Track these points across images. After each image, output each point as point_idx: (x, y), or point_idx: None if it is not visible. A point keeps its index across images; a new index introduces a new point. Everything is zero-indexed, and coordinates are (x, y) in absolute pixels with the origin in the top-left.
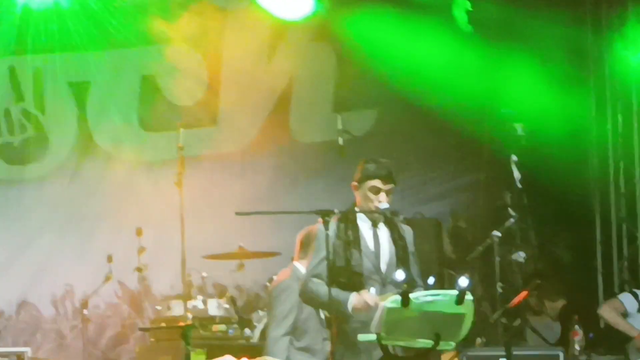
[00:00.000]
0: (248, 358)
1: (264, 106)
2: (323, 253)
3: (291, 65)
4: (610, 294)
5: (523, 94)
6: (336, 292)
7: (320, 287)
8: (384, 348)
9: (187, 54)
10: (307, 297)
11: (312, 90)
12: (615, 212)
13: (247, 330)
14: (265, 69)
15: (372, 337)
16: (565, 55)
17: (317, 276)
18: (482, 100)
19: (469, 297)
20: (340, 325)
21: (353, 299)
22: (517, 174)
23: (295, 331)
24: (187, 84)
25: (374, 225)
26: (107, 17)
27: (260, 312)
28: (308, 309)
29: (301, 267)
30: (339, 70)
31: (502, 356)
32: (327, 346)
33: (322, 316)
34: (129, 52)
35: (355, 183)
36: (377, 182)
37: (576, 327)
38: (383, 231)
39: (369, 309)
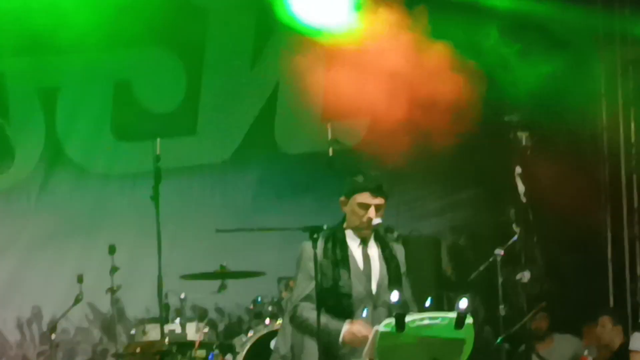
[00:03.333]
0: None
1: (247, 114)
2: (311, 274)
3: (277, 70)
4: (622, 317)
5: (528, 101)
6: (328, 320)
7: (312, 314)
8: None
9: (165, 58)
10: (297, 323)
11: (299, 97)
12: (628, 229)
13: (228, 356)
14: (249, 73)
15: None
16: (574, 60)
17: (308, 299)
18: (483, 107)
19: (469, 320)
20: (328, 351)
21: (345, 330)
22: (521, 187)
23: (291, 350)
24: (164, 89)
25: (364, 243)
26: (79, 17)
27: (244, 337)
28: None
29: None
30: (328, 76)
31: None
32: None
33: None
34: (102, 55)
35: (342, 198)
36: (365, 197)
37: (585, 352)
38: (373, 250)
39: (362, 340)
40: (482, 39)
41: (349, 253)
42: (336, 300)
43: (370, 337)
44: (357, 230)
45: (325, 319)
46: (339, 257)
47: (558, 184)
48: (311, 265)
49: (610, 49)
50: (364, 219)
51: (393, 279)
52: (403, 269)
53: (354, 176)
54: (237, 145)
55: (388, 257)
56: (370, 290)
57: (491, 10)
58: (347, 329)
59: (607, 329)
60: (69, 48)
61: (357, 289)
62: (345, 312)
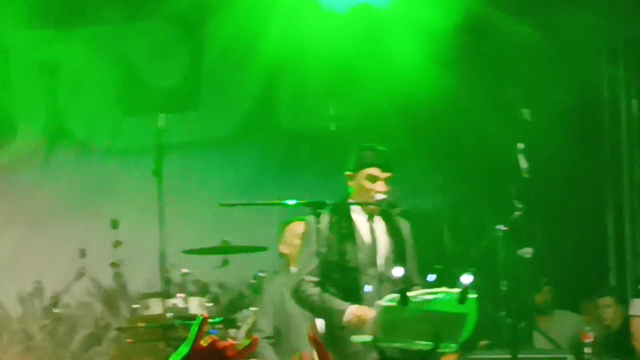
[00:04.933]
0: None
1: (250, 89)
2: (315, 248)
3: (280, 45)
4: (623, 293)
5: (529, 75)
6: (332, 299)
7: (315, 290)
8: (380, 350)
9: (168, 32)
10: (300, 298)
11: (302, 72)
12: (629, 204)
13: (231, 331)
14: (253, 48)
15: (367, 338)
16: (576, 33)
17: (312, 274)
18: (485, 82)
19: (472, 295)
20: (331, 328)
21: (349, 313)
22: (523, 163)
23: (276, 332)
24: (167, 64)
25: (370, 218)
26: None
27: (246, 312)
28: (288, 306)
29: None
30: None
31: (506, 359)
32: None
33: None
34: (105, 29)
35: (349, 172)
36: (374, 170)
37: (587, 328)
38: (379, 224)
39: (366, 322)
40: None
41: (355, 227)
42: (343, 274)
43: (374, 312)
44: (363, 204)
45: (329, 297)
46: (346, 231)
47: (560, 160)
48: (315, 239)
49: (613, 20)
50: (372, 193)
51: (398, 253)
52: (409, 243)
53: (362, 151)
54: (240, 120)
55: (394, 232)
56: (376, 264)
57: None
58: (353, 310)
59: (611, 310)
60: (71, 22)
61: (364, 263)
62: (352, 286)
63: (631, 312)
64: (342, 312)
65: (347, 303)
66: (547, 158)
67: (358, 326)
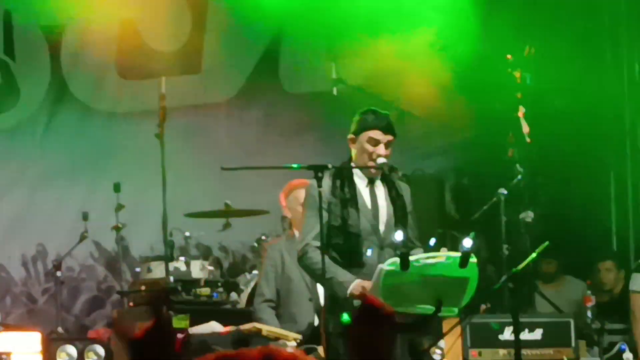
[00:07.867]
0: (235, 325)
1: (252, 52)
2: (317, 212)
3: (282, 6)
4: (625, 258)
5: (531, 40)
6: (337, 269)
7: (320, 259)
8: None
9: None
10: (306, 264)
11: (304, 36)
12: (631, 169)
13: (233, 294)
14: (254, 10)
15: None
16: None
17: (318, 238)
18: (488, 48)
19: (473, 259)
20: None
21: (354, 286)
22: (525, 128)
23: (278, 298)
24: (168, 27)
25: (371, 182)
26: None
27: (248, 275)
28: (289, 270)
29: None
30: (333, 14)
31: (508, 323)
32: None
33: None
34: None
35: (351, 135)
36: (375, 133)
37: (588, 292)
38: (380, 189)
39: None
40: None
41: (357, 192)
42: (344, 239)
43: (375, 276)
44: (364, 169)
45: (334, 268)
46: (348, 195)
47: (562, 124)
48: (317, 203)
49: None
50: (373, 155)
51: (399, 218)
52: (409, 208)
53: (364, 114)
54: (242, 84)
55: (395, 196)
56: (378, 230)
57: None
58: (358, 284)
59: (612, 274)
60: None
61: (366, 228)
62: (353, 251)
63: (631, 287)
64: (346, 285)
65: (352, 275)
66: (550, 122)
67: (361, 297)
